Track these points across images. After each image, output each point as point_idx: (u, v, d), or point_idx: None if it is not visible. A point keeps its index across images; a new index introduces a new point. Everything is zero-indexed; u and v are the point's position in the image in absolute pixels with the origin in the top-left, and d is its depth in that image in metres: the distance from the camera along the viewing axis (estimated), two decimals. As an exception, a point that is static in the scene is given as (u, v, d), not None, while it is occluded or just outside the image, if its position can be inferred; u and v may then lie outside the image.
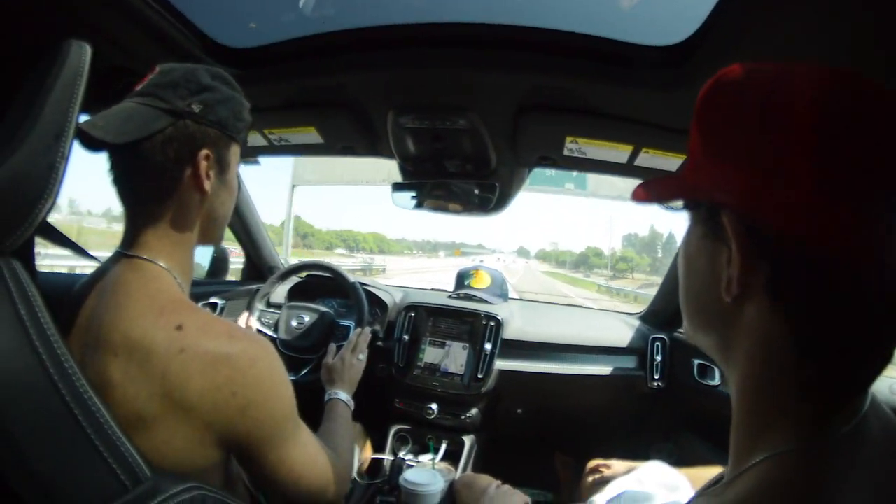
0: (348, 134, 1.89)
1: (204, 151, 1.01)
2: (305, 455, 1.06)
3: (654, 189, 0.68)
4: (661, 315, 2.52)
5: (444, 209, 1.99)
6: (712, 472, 1.32)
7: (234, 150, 1.10)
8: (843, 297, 0.51)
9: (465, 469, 2.25)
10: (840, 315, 0.52)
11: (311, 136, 1.91)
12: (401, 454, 2.27)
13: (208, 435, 0.90)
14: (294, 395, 1.03)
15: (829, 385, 0.54)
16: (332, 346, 1.83)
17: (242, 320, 2.25)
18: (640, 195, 0.68)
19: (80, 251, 1.18)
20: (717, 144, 0.59)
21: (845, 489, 0.49)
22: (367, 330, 1.91)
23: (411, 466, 2.12)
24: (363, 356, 1.80)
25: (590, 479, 1.65)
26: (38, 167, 0.82)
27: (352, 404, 1.61)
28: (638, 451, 2.12)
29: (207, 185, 1.02)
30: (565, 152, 1.75)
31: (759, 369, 0.57)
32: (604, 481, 1.57)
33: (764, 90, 0.55)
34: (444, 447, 2.29)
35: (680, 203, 0.67)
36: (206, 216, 1.08)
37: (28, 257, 1.03)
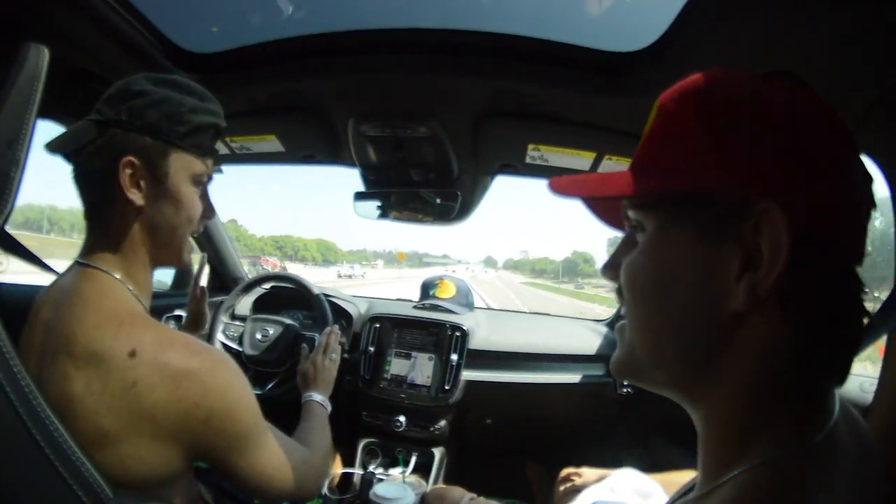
0: (309, 142, 1.88)
1: (125, 159, 0.96)
2: (274, 457, 1.06)
3: (618, 182, 0.60)
4: (628, 322, 2.51)
5: (407, 219, 1.98)
6: (685, 476, 1.31)
7: (178, 158, 1.03)
8: (851, 300, 0.52)
9: (435, 481, 2.24)
10: (847, 318, 0.52)
11: (273, 144, 1.89)
12: (370, 468, 2.24)
13: (173, 446, 0.90)
14: (256, 402, 1.03)
15: (814, 391, 0.53)
16: (305, 350, 1.81)
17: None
18: (595, 187, 0.63)
19: (38, 262, 1.15)
20: (741, 136, 0.53)
21: (825, 497, 0.48)
22: (336, 328, 1.87)
23: (381, 480, 2.08)
24: (335, 356, 1.78)
25: (561, 488, 1.64)
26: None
27: (328, 405, 1.60)
28: (610, 457, 2.12)
29: (133, 195, 0.98)
30: (528, 160, 1.75)
31: (753, 383, 0.53)
32: (575, 490, 1.56)
33: (780, 92, 0.55)
34: (413, 460, 2.27)
35: (644, 203, 0.60)
36: (149, 229, 1.03)
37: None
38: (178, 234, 1.08)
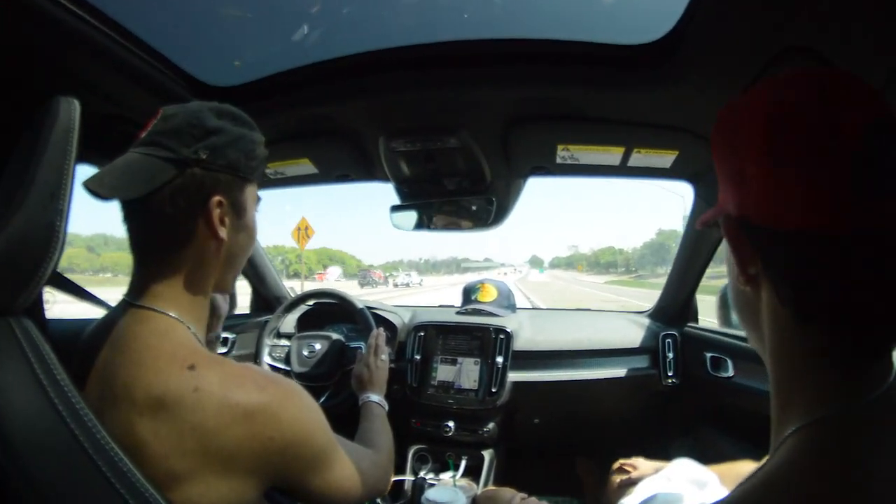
0: (342, 162, 1.91)
1: (216, 199, 0.96)
2: (347, 469, 1.07)
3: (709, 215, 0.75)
4: (669, 311, 2.52)
5: (444, 227, 2.00)
6: (740, 467, 1.32)
7: (251, 191, 1.05)
8: (826, 267, 0.57)
9: (486, 484, 2.25)
10: (827, 283, 0.57)
11: (306, 167, 1.93)
12: (421, 474, 2.27)
13: (249, 479, 0.88)
14: (326, 421, 1.02)
15: (843, 352, 0.58)
16: (359, 354, 1.87)
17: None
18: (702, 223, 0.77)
19: (91, 298, 1.17)
20: (721, 171, 0.68)
21: (878, 455, 0.51)
22: (381, 330, 1.92)
23: (432, 485, 2.12)
24: (385, 357, 1.81)
25: (617, 480, 1.64)
26: (38, 228, 0.82)
27: (385, 404, 1.64)
28: (658, 449, 2.11)
29: (223, 232, 0.98)
30: (558, 160, 1.77)
31: (776, 344, 0.64)
32: (631, 482, 1.56)
33: (733, 116, 0.65)
34: (463, 463, 2.30)
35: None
36: (225, 261, 1.03)
37: (38, 310, 1.01)
38: (245, 261, 1.12)
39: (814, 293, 0.58)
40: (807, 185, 0.56)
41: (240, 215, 1.03)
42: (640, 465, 1.63)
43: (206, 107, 1.00)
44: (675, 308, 2.49)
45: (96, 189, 0.87)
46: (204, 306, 1.04)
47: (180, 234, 0.95)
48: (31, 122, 0.91)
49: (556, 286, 59.08)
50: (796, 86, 0.60)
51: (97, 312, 1.12)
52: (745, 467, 1.33)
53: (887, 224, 0.54)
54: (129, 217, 0.96)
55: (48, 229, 0.82)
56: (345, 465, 1.06)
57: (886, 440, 0.52)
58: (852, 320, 0.57)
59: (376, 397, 1.63)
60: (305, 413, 0.96)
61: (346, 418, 1.54)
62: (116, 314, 0.98)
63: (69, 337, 1.03)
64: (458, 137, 1.63)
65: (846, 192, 0.54)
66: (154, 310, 0.94)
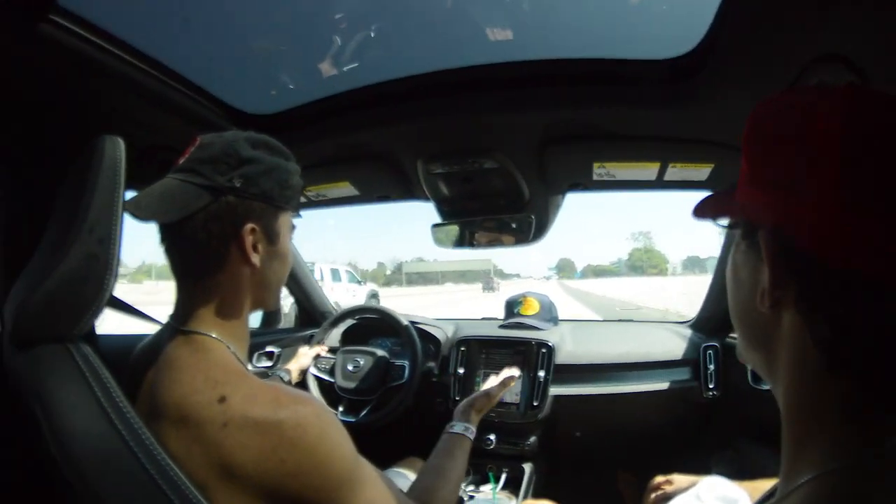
0: (382, 184, 1.96)
1: (248, 226, 0.99)
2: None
3: (709, 207, 0.70)
4: (711, 321, 2.49)
5: (485, 244, 2.03)
6: (769, 485, 1.31)
7: (284, 218, 1.08)
8: (872, 315, 0.52)
9: (525, 496, 2.25)
10: (869, 333, 0.52)
11: (347, 189, 1.99)
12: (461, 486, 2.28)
13: (262, 502, 0.87)
14: (352, 453, 0.96)
15: (868, 400, 0.53)
16: (493, 379, 1.90)
17: (305, 356, 2.35)
18: (697, 212, 0.71)
19: (143, 317, 1.21)
20: (758, 171, 0.62)
21: None
22: (517, 372, 1.97)
23: (472, 497, 2.15)
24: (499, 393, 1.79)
25: (652, 496, 1.64)
26: (92, 265, 0.87)
27: (472, 435, 1.54)
28: (699, 462, 2.09)
29: (255, 258, 1.00)
30: (595, 177, 1.78)
31: (796, 382, 0.58)
32: (666, 498, 1.56)
33: (797, 119, 0.57)
34: (504, 476, 2.30)
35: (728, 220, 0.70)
36: (259, 285, 1.06)
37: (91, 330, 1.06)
38: (281, 284, 1.15)
39: (855, 342, 0.53)
40: (887, 229, 0.51)
41: (273, 242, 1.06)
42: (676, 480, 1.62)
43: (242, 136, 1.04)
44: (716, 319, 2.45)
45: (133, 211, 0.92)
46: (243, 328, 1.06)
47: (214, 259, 0.99)
48: (78, 161, 0.96)
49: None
50: (874, 110, 0.54)
51: (145, 327, 1.16)
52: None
53: None
54: (166, 241, 1.00)
55: (104, 267, 0.88)
56: (373, 500, 0.98)
57: None
58: (883, 373, 0.53)
59: (462, 426, 1.53)
60: (324, 442, 0.91)
61: (380, 437, 1.51)
62: (162, 336, 1.02)
63: (119, 352, 1.08)
64: (494, 159, 1.66)
65: None
66: (196, 332, 0.98)
